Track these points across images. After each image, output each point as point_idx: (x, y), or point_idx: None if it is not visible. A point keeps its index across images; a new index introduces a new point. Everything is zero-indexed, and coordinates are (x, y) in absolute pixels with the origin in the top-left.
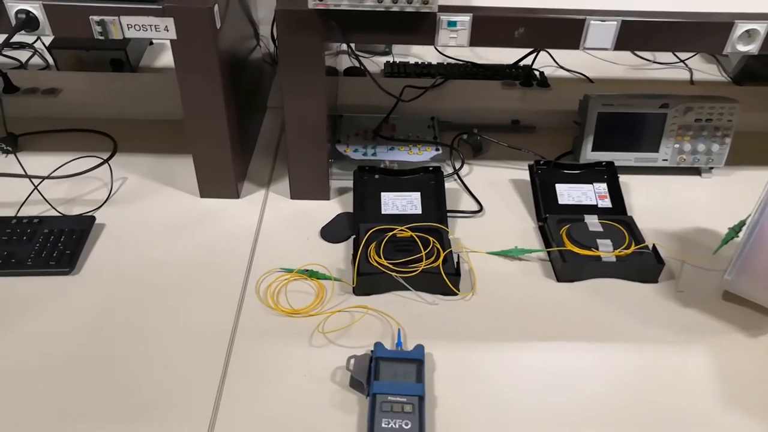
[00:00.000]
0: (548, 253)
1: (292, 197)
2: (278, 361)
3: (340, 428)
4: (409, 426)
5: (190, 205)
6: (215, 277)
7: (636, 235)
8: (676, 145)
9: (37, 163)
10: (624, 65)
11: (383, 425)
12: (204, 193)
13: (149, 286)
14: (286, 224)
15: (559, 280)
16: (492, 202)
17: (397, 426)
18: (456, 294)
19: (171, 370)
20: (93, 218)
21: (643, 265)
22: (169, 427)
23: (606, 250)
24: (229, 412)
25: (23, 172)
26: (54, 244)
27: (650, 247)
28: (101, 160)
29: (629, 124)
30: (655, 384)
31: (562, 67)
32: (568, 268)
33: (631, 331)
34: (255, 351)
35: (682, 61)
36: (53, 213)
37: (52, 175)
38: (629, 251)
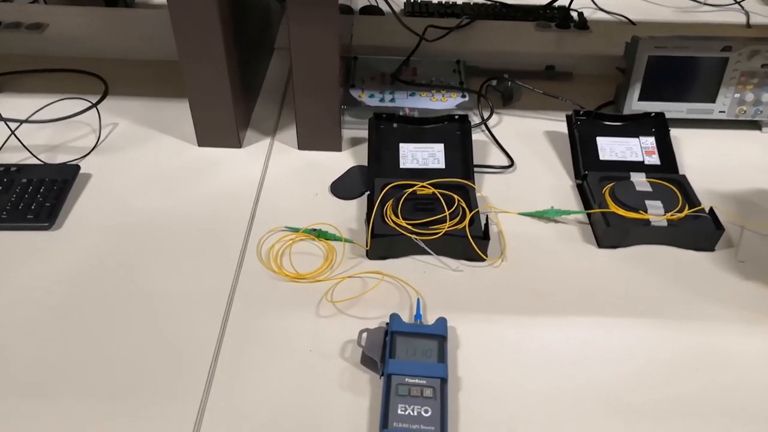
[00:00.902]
0: (588, 215)
1: (300, 148)
2: (280, 333)
3: (349, 412)
4: (430, 413)
5: (186, 154)
6: (212, 236)
7: (690, 197)
8: (737, 95)
9: (19, 105)
10: (670, 7)
11: (399, 411)
12: (202, 141)
13: (138, 245)
14: (292, 178)
15: (600, 245)
16: (524, 156)
17: (415, 413)
18: (483, 260)
19: (159, 340)
20: (77, 167)
21: (699, 230)
22: (154, 403)
23: (656, 213)
24: (222, 388)
25: None
26: (33, 196)
27: (707, 210)
28: (89, 104)
29: (683, 70)
30: (710, 367)
31: (601, 9)
32: (611, 233)
33: (683, 306)
34: (254, 320)
35: (738, 2)
36: (33, 161)
37: (32, 118)
38: (682, 215)
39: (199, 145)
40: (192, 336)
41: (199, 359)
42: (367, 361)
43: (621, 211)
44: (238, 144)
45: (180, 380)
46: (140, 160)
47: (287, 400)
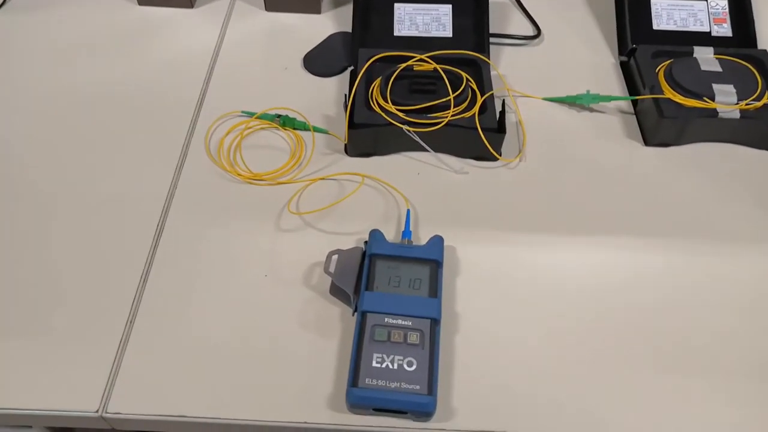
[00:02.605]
0: (635, 102)
1: (268, 8)
2: (228, 250)
3: (310, 358)
4: (414, 367)
5: (122, 15)
6: (148, 121)
7: None
8: None
9: None
10: None
11: (374, 363)
12: None
13: (53, 130)
14: (255, 47)
15: (648, 142)
16: (554, 23)
17: (395, 366)
18: (496, 159)
19: (72, 253)
20: None
21: None
22: (60, 335)
23: (726, 101)
24: (150, 320)
25: None
26: None
27: None
28: None
29: None
30: None
31: None
32: (665, 126)
33: (757, 226)
34: (196, 232)
35: None
36: None
37: None
38: (760, 103)
39: (140, 4)
40: (115, 249)
41: (122, 280)
42: (337, 292)
43: (679, 98)
44: (188, 2)
45: (96, 308)
46: (61, 22)
47: (231, 338)
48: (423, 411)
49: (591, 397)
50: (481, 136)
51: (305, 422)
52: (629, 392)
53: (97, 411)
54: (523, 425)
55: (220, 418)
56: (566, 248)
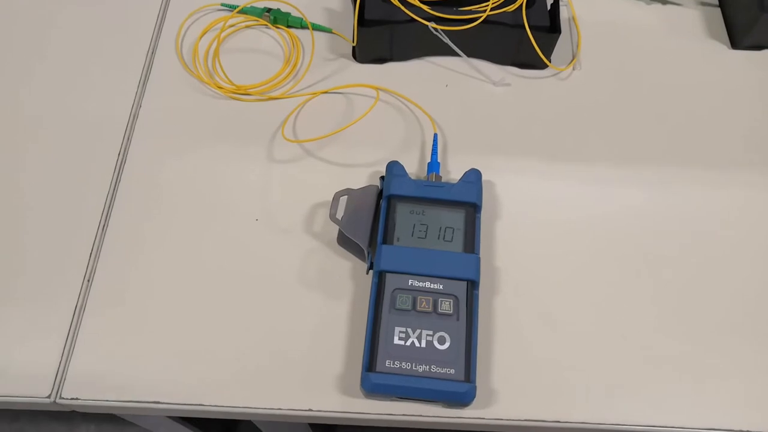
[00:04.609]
0: None
1: None
2: (208, 188)
3: (315, 326)
4: (447, 344)
5: None
6: (103, 14)
7: None
8: None
9: None
10: None
11: (396, 340)
12: None
13: None
14: None
15: (737, 44)
16: None
17: (422, 343)
18: (545, 67)
19: (11, 191)
20: None
21: None
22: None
23: None
24: (111, 283)
25: None
26: None
27: None
28: None
29: None
30: None
31: None
32: (763, 22)
33: None
34: (166, 164)
35: None
36: None
37: None
38: None
39: None
40: (66, 186)
41: (76, 227)
42: (347, 242)
43: None
44: None
45: (43, 264)
46: None
47: (214, 302)
48: (459, 402)
49: (668, 379)
50: (529, 36)
51: (309, 410)
52: (724, 373)
53: (48, 396)
54: (579, 414)
55: (202, 405)
56: (632, 182)
